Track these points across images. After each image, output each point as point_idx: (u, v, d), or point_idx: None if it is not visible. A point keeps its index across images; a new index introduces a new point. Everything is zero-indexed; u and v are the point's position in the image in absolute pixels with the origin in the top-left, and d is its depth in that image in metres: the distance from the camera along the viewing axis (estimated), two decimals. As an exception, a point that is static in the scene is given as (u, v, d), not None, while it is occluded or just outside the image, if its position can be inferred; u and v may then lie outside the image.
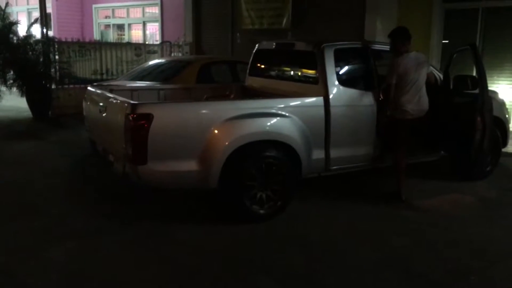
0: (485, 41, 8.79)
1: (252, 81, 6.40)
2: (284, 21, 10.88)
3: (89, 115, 5.53)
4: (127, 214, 4.97)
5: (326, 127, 5.10)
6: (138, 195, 5.39)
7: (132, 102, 4.32)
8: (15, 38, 10.42)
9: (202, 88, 6.53)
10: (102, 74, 11.49)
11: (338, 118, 5.13)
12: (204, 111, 4.57)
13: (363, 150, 5.41)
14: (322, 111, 5.07)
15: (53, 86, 10.52)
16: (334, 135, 5.13)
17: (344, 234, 4.58)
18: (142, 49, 12.47)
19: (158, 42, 14.18)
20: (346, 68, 5.40)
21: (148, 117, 4.20)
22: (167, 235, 4.46)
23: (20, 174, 6.32)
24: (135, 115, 4.20)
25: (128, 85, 7.34)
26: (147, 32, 16.22)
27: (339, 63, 5.24)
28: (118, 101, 4.63)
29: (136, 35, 16.49)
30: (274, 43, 6.06)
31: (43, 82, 10.41)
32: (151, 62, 9.09)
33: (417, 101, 5.16)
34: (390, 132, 5.29)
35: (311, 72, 5.44)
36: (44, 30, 10.83)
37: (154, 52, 12.70)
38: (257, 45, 6.40)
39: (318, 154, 5.11)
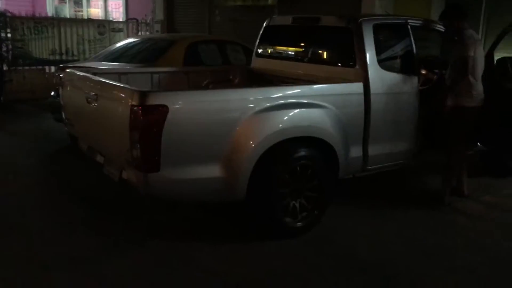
0: (490, 19, 8.10)
1: (261, 63, 5.41)
2: (270, -4, 9.88)
3: (69, 105, 4.39)
4: (129, 231, 3.94)
5: (365, 118, 4.24)
6: (138, 205, 4.35)
7: (140, 90, 3.27)
8: (-42, 12, 8.95)
9: (202, 71, 5.48)
10: (61, 54, 10.26)
11: (378, 108, 4.28)
12: (230, 102, 3.57)
13: (403, 146, 4.59)
14: (361, 99, 4.20)
15: (5, 68, 9.31)
16: (373, 128, 4.28)
17: (396, 248, 3.77)
18: (106, 27, 11.19)
19: (120, 20, 12.83)
20: (386, 47, 4.53)
21: (162, 110, 3.19)
22: (182, 257, 3.51)
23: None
24: (145, 107, 3.16)
25: (105, 67, 6.19)
26: (109, 8, 14.73)
27: (378, 42, 4.36)
28: (118, 88, 3.56)
29: (95, 12, 14.97)
30: (291, 18, 5.08)
31: (-6, 63, 9.05)
32: (125, 41, 7.89)
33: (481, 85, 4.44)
34: (452, 122, 4.50)
35: (344, 52, 4.53)
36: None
37: (120, 30, 11.47)
38: (267, 20, 5.41)
39: (356, 151, 4.26)
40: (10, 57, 9.36)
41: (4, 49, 9.26)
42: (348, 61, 4.39)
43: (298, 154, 3.81)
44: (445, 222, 4.30)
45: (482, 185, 5.13)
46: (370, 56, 4.26)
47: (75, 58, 10.21)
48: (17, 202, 4.44)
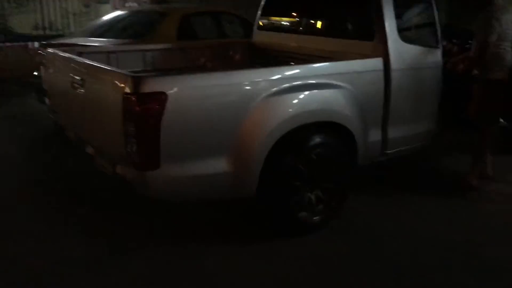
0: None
1: (264, 37, 4.92)
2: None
3: (53, 90, 3.91)
4: (131, 231, 3.53)
5: (385, 98, 3.80)
6: (139, 200, 3.90)
7: (134, 75, 2.80)
8: None
9: (199, 48, 4.97)
10: (45, 28, 9.65)
11: (399, 86, 3.84)
12: (239, 86, 3.10)
13: (424, 126, 4.18)
14: (381, 77, 3.75)
15: (-16, 45, 8.62)
16: (394, 108, 3.85)
17: (418, 243, 3.40)
18: (90, -1, 10.61)
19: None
20: (407, 17, 4.06)
21: (161, 98, 2.73)
22: (190, 263, 3.11)
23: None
24: (140, 96, 2.71)
25: (92, 43, 5.68)
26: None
27: (398, 11, 3.88)
28: (108, 72, 3.09)
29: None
30: (299, -15, 4.60)
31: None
32: (113, 14, 7.30)
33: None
34: (479, 97, 4.11)
35: (360, 24, 4.06)
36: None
37: (105, 2, 10.86)
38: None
39: (375, 135, 3.84)
40: (-10, 33, 8.80)
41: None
42: (365, 34, 3.91)
43: (314, 142, 3.39)
44: (472, 211, 3.93)
45: (508, 165, 4.75)
46: (390, 27, 3.78)
47: (60, 33, 9.64)
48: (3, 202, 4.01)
